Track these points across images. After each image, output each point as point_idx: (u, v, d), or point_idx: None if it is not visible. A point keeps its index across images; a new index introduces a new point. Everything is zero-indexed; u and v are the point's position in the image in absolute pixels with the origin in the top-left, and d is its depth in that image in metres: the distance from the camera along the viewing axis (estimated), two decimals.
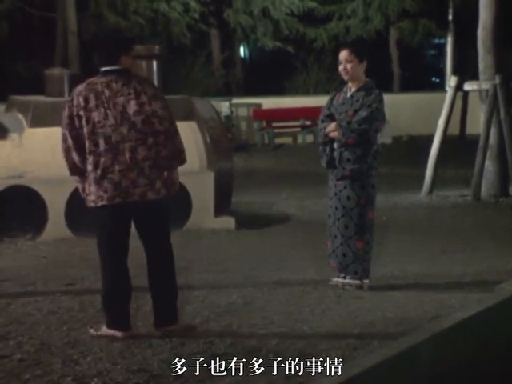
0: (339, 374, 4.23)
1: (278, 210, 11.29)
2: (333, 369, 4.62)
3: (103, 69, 5.70)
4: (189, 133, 10.05)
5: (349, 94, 6.98)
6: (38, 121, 9.41)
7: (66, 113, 5.71)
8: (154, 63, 10.26)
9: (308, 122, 20.83)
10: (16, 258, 8.38)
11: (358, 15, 24.70)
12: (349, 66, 6.90)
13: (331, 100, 7.10)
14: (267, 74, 25.04)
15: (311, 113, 20.63)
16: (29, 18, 22.87)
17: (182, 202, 9.69)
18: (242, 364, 5.17)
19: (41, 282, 7.34)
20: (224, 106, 19.81)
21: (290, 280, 7.38)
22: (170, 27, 23.11)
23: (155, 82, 10.27)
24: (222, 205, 10.01)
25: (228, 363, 5.19)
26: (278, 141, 20.78)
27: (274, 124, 20.88)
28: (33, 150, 9.32)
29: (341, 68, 6.95)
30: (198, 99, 11.06)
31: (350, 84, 7.02)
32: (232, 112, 20.31)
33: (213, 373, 5.03)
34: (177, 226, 9.60)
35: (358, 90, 6.94)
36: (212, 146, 10.15)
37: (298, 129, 21.11)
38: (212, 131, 10.23)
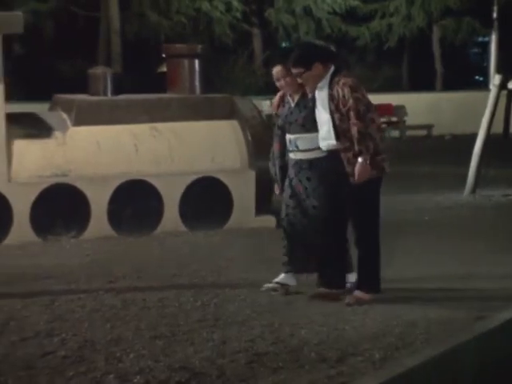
0: (381, 373, 4.21)
1: None
2: (375, 368, 4.60)
3: None
4: (230, 132, 10.07)
5: (293, 104, 6.83)
6: (82, 119, 9.48)
7: (366, 99, 6.42)
8: (196, 62, 10.28)
9: None
10: (60, 256, 8.46)
11: (400, 13, 24.57)
12: (288, 79, 6.75)
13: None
14: None
15: None
16: (73, 18, 23.07)
17: (223, 201, 9.72)
18: (283, 363, 5.18)
19: (84, 279, 7.40)
20: (265, 105, 19.79)
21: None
22: (212, 26, 23.17)
23: (197, 82, 10.33)
24: (262, 204, 10.01)
25: (270, 362, 5.20)
26: None
27: None
28: (76, 148, 9.40)
29: (280, 84, 6.83)
30: (239, 98, 11.06)
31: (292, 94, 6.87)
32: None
33: (255, 372, 5.03)
34: (218, 224, 9.65)
35: (300, 98, 6.79)
36: (253, 144, 10.15)
37: None
38: (253, 130, 10.23)
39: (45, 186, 9.13)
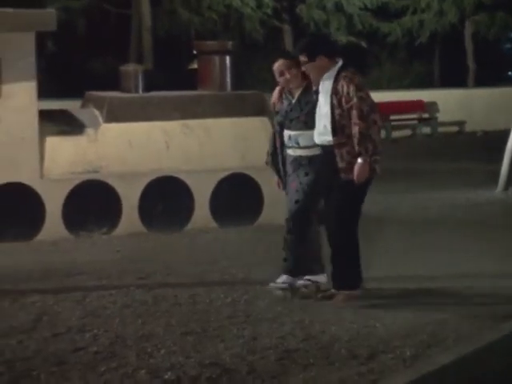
0: (412, 371, 4.20)
1: None
2: (406, 366, 4.58)
3: None
4: (261, 128, 10.07)
5: (293, 101, 6.70)
6: (113, 116, 9.53)
7: (370, 99, 6.35)
8: (227, 59, 10.29)
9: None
10: (91, 252, 8.51)
11: (432, 9, 24.42)
12: (288, 75, 6.66)
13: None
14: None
15: (383, 108, 20.39)
16: (105, 15, 23.20)
17: (253, 197, 9.73)
18: (313, 360, 5.18)
19: (115, 275, 7.44)
20: None
21: (364, 276, 7.33)
22: (242, 23, 23.18)
23: (227, 78, 10.35)
24: None
25: (300, 359, 5.20)
26: None
27: None
28: (108, 145, 9.45)
29: (281, 80, 6.73)
30: (270, 95, 11.04)
31: (292, 90, 6.74)
32: None
33: (285, 368, 5.04)
34: (248, 221, 9.67)
35: (301, 94, 6.68)
36: None
37: None
38: None
39: (77, 182, 9.19)
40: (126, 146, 9.51)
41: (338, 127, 6.35)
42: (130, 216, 9.30)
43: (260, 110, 10.15)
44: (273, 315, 6.17)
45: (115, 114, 9.54)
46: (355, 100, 6.29)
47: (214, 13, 22.60)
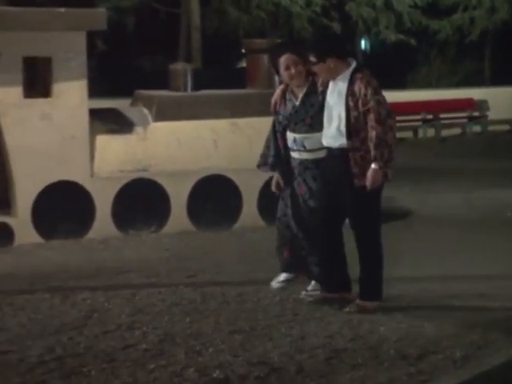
0: (463, 372, 4.16)
1: (399, 205, 11.17)
2: (456, 367, 4.55)
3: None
4: None
5: (297, 103, 6.49)
6: (162, 115, 9.58)
7: (387, 104, 6.11)
8: None
9: (429, 116, 20.52)
10: (140, 250, 8.57)
11: (483, 6, 24.14)
12: (293, 71, 6.42)
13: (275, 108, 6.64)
14: (388, 67, 24.79)
15: (433, 106, 20.32)
16: (154, 14, 23.34)
17: None
18: (362, 360, 5.16)
19: (164, 273, 7.49)
20: None
21: (411, 276, 7.29)
22: (291, 21, 23.15)
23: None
24: None
25: (349, 358, 5.19)
26: (399, 135, 20.38)
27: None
28: (157, 143, 9.50)
29: (285, 76, 6.48)
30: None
31: (295, 90, 6.53)
32: None
33: (334, 368, 5.03)
34: None
35: (305, 95, 6.48)
36: None
37: (419, 122, 20.82)
38: None
39: (126, 180, 9.25)
40: (174, 144, 9.55)
41: (353, 130, 6.08)
42: (178, 214, 9.35)
43: None
44: (320, 314, 6.16)
45: (164, 113, 9.59)
46: (372, 103, 6.02)
47: (263, 11, 22.60)
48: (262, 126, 9.89)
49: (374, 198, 6.18)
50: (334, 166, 6.22)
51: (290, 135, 6.55)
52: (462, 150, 17.65)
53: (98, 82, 17.15)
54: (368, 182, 6.04)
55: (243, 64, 11.11)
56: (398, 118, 21.15)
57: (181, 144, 9.57)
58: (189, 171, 9.47)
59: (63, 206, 8.96)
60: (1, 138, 8.90)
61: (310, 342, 5.53)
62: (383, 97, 6.14)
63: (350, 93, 6.09)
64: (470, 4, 24.38)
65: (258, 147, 9.89)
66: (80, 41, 9.02)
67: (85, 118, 9.16)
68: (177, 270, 7.60)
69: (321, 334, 5.68)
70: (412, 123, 20.75)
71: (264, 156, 6.85)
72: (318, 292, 6.48)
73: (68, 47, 8.96)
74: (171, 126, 9.56)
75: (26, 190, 8.89)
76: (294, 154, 6.55)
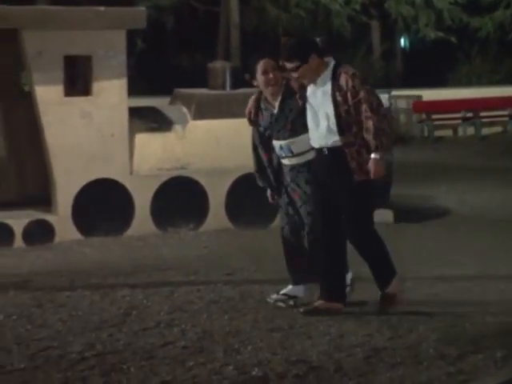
0: (504, 372, 4.13)
1: (437, 204, 11.11)
2: (497, 367, 4.51)
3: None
4: None
5: (275, 111, 6.30)
6: (201, 113, 9.61)
7: (376, 93, 5.97)
8: None
9: (469, 114, 20.36)
10: (179, 248, 8.61)
11: None
12: (271, 76, 6.23)
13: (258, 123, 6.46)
14: (428, 65, 24.64)
15: (473, 104, 20.14)
16: (193, 12, 23.41)
17: None
18: (401, 359, 5.14)
19: (202, 271, 7.51)
20: (383, 98, 19.58)
21: (451, 275, 7.25)
22: (330, 19, 23.12)
23: None
24: (380, 198, 9.93)
25: (388, 357, 5.16)
26: (438, 133, 20.40)
27: (434, 116, 20.52)
28: (195, 141, 9.53)
29: (262, 81, 6.32)
30: None
31: (269, 98, 6.35)
32: (391, 104, 20.09)
33: (372, 367, 5.01)
34: None
35: (281, 102, 6.29)
36: None
37: (459, 121, 20.68)
38: None
39: (165, 178, 9.29)
40: (213, 142, 9.57)
41: (345, 125, 5.93)
42: (217, 212, 9.37)
43: None
44: (359, 312, 6.14)
45: (203, 111, 9.62)
46: (362, 93, 5.87)
47: (302, 10, 22.59)
48: None
49: (370, 193, 6.07)
50: (325, 167, 6.08)
51: (275, 143, 6.38)
52: (502, 149, 17.49)
53: (137, 81, 17.24)
54: (372, 173, 5.89)
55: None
56: (437, 117, 21.17)
57: (219, 142, 9.59)
58: (227, 169, 9.49)
59: (103, 204, 9.02)
60: (41, 136, 8.99)
61: (348, 340, 5.51)
62: (371, 87, 6.01)
63: (337, 88, 5.93)
64: None
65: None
66: (120, 39, 9.08)
67: (124, 116, 9.21)
68: (215, 267, 7.62)
69: (359, 332, 5.66)
70: (452, 121, 20.62)
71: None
72: (287, 298, 6.32)
73: (108, 46, 9.03)
74: (210, 125, 9.58)
75: (66, 188, 8.97)
76: (284, 161, 6.37)
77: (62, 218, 8.96)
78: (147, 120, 9.53)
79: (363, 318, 6.03)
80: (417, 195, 11.73)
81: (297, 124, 6.24)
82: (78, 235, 8.96)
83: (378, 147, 5.88)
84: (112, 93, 9.10)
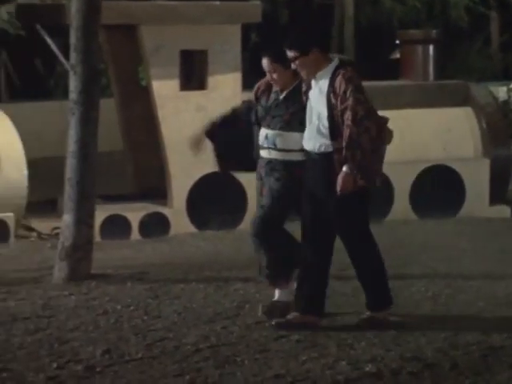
0: None
1: None
2: None
3: None
4: (464, 119, 9.88)
5: (281, 97, 6.00)
6: None
7: (369, 104, 5.60)
8: (431, 48, 10.14)
9: None
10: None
11: None
12: (275, 75, 5.96)
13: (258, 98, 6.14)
14: None
15: None
16: (308, 5, 23.41)
17: (455, 189, 9.56)
18: None
19: None
20: (501, 91, 19.16)
21: None
22: (447, 11, 22.72)
23: (430, 68, 10.20)
24: (497, 193, 9.76)
25: (506, 356, 5.06)
26: None
27: None
28: None
29: (268, 78, 6.04)
30: (474, 84, 10.82)
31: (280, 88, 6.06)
32: (510, 97, 19.62)
33: (489, 365, 4.91)
34: (450, 213, 9.50)
35: (291, 92, 5.96)
36: (488, 132, 9.91)
37: None
38: (488, 117, 10.00)
39: None
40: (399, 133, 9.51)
41: (337, 130, 5.55)
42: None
43: (463, 99, 9.96)
44: (475, 310, 6.04)
45: None
46: (351, 101, 5.47)
47: (418, 1, 22.28)
48: (414, 117, 9.81)
49: (358, 205, 5.67)
50: (315, 177, 5.71)
51: (263, 131, 6.06)
52: None
53: (251, 75, 17.34)
54: (338, 186, 5.51)
55: (396, 55, 10.98)
56: None
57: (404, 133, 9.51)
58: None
59: (217, 197, 9.11)
60: (158, 129, 9.14)
61: (464, 338, 5.42)
62: (365, 96, 5.56)
63: (332, 89, 5.58)
64: None
65: (411, 139, 9.81)
66: (235, 34, 9.17)
67: None
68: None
69: (475, 330, 5.56)
70: None
71: None
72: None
73: (223, 40, 9.11)
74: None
75: (181, 181, 9.11)
76: (263, 153, 6.04)
77: (176, 211, 9.09)
78: None
79: (479, 316, 5.93)
80: None
81: (294, 118, 5.92)
82: (192, 228, 9.08)
83: (348, 159, 5.48)
84: (227, 87, 9.18)
